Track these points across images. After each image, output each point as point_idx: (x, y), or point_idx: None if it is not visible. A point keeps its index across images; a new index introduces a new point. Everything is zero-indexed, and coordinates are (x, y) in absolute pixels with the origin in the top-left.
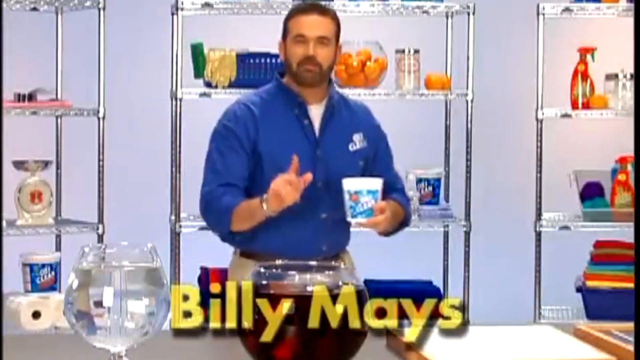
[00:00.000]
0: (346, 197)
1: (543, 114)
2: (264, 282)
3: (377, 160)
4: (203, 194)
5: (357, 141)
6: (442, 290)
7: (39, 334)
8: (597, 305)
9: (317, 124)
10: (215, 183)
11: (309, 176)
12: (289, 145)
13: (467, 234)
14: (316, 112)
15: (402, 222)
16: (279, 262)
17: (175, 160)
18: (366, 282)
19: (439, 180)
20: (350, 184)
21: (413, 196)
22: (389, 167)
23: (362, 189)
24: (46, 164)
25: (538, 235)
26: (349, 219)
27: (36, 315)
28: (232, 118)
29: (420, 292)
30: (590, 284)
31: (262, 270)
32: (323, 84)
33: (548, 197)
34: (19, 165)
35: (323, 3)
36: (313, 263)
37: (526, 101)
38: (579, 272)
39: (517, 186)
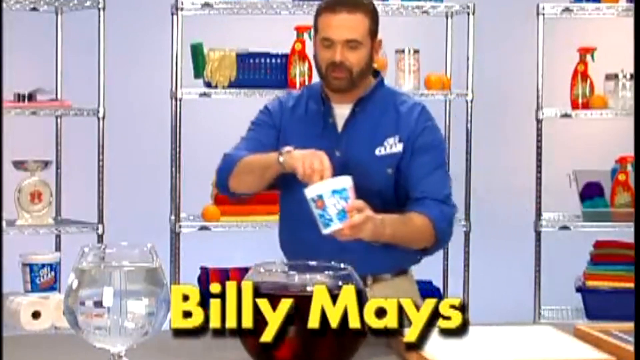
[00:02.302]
0: (312, 208)
1: (543, 114)
2: (264, 282)
3: (413, 166)
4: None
5: (389, 145)
6: (442, 290)
7: (39, 334)
8: (597, 305)
9: (341, 124)
10: (242, 146)
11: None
12: (308, 142)
13: (467, 234)
14: (343, 112)
15: (428, 237)
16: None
17: (175, 160)
18: None
19: None
20: (310, 191)
21: None
22: (426, 174)
23: (323, 192)
24: (46, 164)
25: (538, 235)
26: (323, 231)
27: (36, 315)
28: (276, 103)
29: (420, 292)
30: (590, 284)
31: (262, 270)
32: (356, 88)
33: (548, 197)
34: (19, 165)
35: None
36: (313, 263)
37: (526, 101)
38: (578, 272)
39: (517, 186)
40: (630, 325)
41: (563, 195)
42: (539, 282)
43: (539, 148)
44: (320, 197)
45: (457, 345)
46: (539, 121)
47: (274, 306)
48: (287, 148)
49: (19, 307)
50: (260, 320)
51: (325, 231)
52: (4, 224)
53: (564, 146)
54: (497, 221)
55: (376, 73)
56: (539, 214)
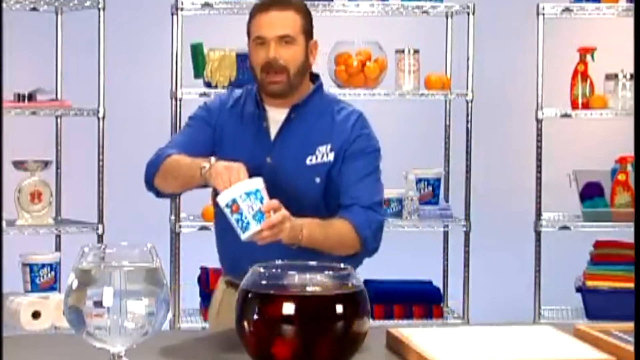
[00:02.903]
0: (228, 214)
1: (543, 114)
2: (264, 282)
3: (343, 172)
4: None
5: (321, 154)
6: (442, 290)
7: (39, 334)
8: (596, 305)
9: (275, 130)
10: (175, 143)
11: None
12: (241, 147)
13: (467, 234)
14: (278, 117)
15: (351, 243)
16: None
17: None
18: (366, 282)
19: (438, 180)
20: (223, 197)
21: (413, 196)
22: (356, 181)
23: (236, 195)
24: (46, 164)
25: (538, 235)
26: (242, 237)
27: (36, 315)
28: (216, 101)
29: (420, 292)
30: (590, 284)
31: (262, 270)
32: (294, 91)
33: (548, 197)
34: (19, 165)
35: (322, 3)
36: (313, 263)
37: (526, 101)
38: (578, 272)
39: (517, 186)
40: (630, 325)
41: (563, 195)
42: (539, 282)
43: (539, 148)
44: (234, 201)
45: (457, 345)
46: (539, 121)
47: (274, 306)
48: (212, 160)
49: (19, 307)
50: (260, 321)
51: (245, 235)
52: (4, 224)
53: (564, 146)
54: (497, 221)
55: (315, 77)
56: (539, 214)
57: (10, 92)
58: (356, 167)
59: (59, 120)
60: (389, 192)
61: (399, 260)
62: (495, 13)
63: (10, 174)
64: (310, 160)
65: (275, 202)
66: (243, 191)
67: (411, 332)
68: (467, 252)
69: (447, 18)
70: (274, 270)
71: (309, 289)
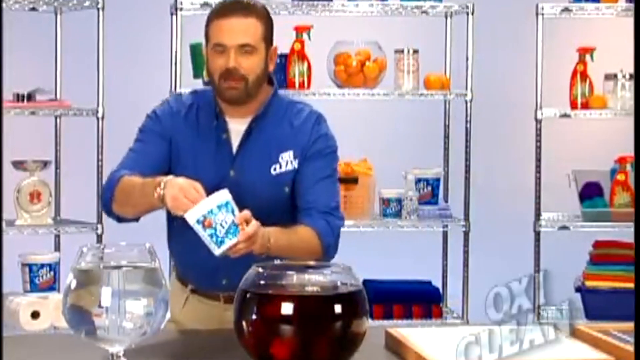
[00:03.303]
0: (200, 231)
1: (542, 114)
2: (263, 282)
3: (302, 175)
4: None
5: (285, 162)
6: (441, 290)
7: (38, 334)
8: (596, 305)
9: (236, 142)
10: (128, 162)
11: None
12: (202, 161)
13: (466, 234)
14: (238, 127)
15: (314, 249)
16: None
17: None
18: (366, 282)
19: (438, 180)
20: (193, 214)
21: (412, 196)
22: (314, 183)
23: (210, 209)
24: (45, 164)
25: (537, 235)
26: (216, 252)
27: (35, 315)
28: (165, 109)
29: (419, 292)
30: (590, 284)
31: (261, 270)
32: (252, 99)
33: (547, 197)
34: (18, 165)
35: (322, 3)
36: (312, 263)
37: (525, 101)
38: (578, 272)
39: (516, 186)
40: (628, 325)
41: (562, 195)
42: (538, 282)
43: (538, 148)
44: (205, 216)
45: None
46: (538, 121)
47: (272, 306)
48: (166, 180)
49: (18, 307)
50: (258, 320)
51: (220, 250)
52: (3, 224)
53: (564, 146)
54: (497, 221)
55: (271, 81)
56: (538, 214)
57: (9, 92)
58: (314, 168)
59: (58, 120)
60: (388, 192)
61: (399, 260)
62: (495, 13)
63: (10, 174)
64: (275, 169)
65: (247, 213)
66: (214, 205)
67: (410, 332)
68: (466, 252)
69: (446, 18)
70: (272, 270)
71: (307, 289)
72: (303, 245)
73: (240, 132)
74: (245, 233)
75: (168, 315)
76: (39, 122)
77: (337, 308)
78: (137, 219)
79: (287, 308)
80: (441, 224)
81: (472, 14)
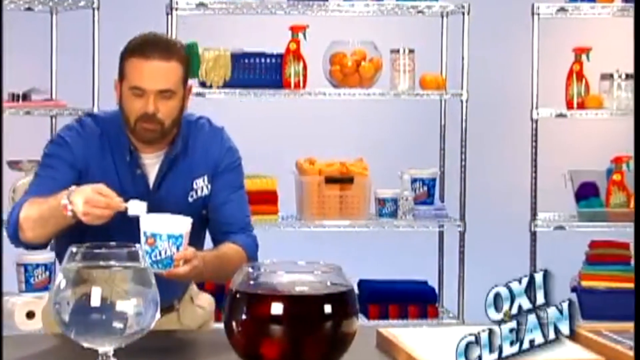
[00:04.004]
0: (142, 238)
1: (538, 113)
2: (252, 282)
3: (214, 192)
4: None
5: (199, 188)
6: (437, 290)
7: (28, 334)
8: (592, 305)
9: (152, 177)
10: (34, 192)
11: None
12: (118, 194)
13: (462, 234)
14: (152, 162)
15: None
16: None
17: None
18: (362, 282)
19: (434, 180)
20: (148, 224)
21: (408, 196)
22: (228, 199)
23: (160, 233)
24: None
25: (533, 235)
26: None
27: (30, 315)
28: (74, 135)
29: (415, 292)
30: (585, 284)
31: (251, 270)
32: (166, 138)
33: (543, 197)
34: (13, 165)
35: (317, 3)
36: (302, 263)
37: (521, 101)
38: (574, 272)
39: (512, 186)
40: (621, 325)
41: (558, 195)
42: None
43: (534, 148)
44: (154, 235)
45: (447, 345)
46: (534, 121)
47: (262, 306)
48: (70, 195)
49: (14, 307)
50: (248, 320)
51: (149, 267)
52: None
53: (559, 146)
54: (493, 221)
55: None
56: (534, 214)
57: (4, 91)
58: (225, 182)
59: (54, 120)
60: (384, 192)
61: (394, 260)
62: (490, 13)
63: (5, 174)
64: (192, 196)
65: (189, 253)
66: (168, 232)
67: (401, 332)
68: (462, 252)
69: (442, 18)
70: (262, 270)
71: (297, 288)
72: (232, 263)
73: (154, 167)
74: (173, 272)
75: (158, 315)
76: (35, 122)
77: (327, 308)
78: (46, 244)
79: (276, 308)
80: (437, 224)
81: (468, 13)
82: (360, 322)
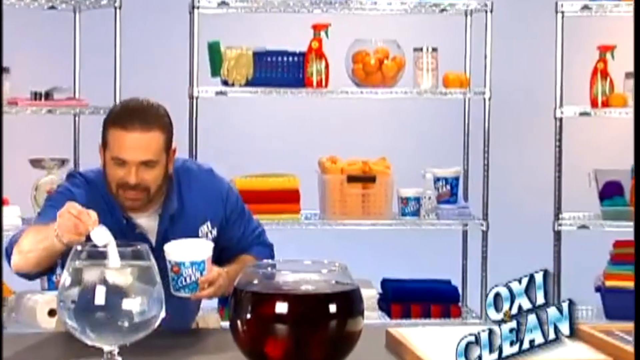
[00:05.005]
0: (168, 266)
1: (562, 112)
2: (257, 280)
3: (228, 228)
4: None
5: (204, 235)
6: (460, 289)
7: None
8: (616, 305)
9: (152, 236)
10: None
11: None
12: None
13: (485, 234)
14: (149, 221)
15: None
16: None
17: (192, 159)
18: (385, 281)
19: (457, 178)
20: (172, 253)
21: (431, 195)
22: (242, 229)
23: (184, 261)
24: (63, 162)
25: (557, 234)
26: (172, 291)
27: (52, 313)
28: (80, 190)
29: (438, 291)
30: (609, 283)
31: (256, 269)
32: (152, 202)
33: (567, 196)
34: (36, 163)
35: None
36: (307, 262)
37: (545, 99)
38: (598, 271)
39: (536, 185)
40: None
41: (582, 194)
42: (559, 281)
43: (557, 147)
44: (179, 264)
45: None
46: (558, 120)
47: (267, 305)
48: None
49: (36, 305)
50: (252, 319)
51: (174, 293)
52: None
53: (584, 145)
54: (516, 220)
55: None
56: (557, 213)
57: (27, 90)
58: (235, 224)
59: (77, 118)
60: (407, 191)
61: (417, 260)
62: (514, 11)
63: (28, 172)
64: None
65: (213, 276)
66: (190, 260)
67: (409, 332)
68: (484, 252)
69: (465, 16)
70: (267, 269)
71: (302, 287)
72: None
73: (152, 225)
74: (199, 294)
75: (163, 313)
76: (58, 120)
77: (332, 307)
78: (42, 274)
79: (280, 307)
80: (460, 223)
81: (491, 11)
82: (382, 321)
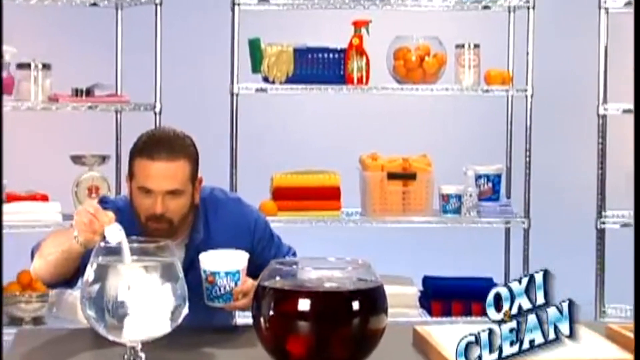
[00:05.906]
0: (202, 275)
1: (605, 109)
2: (279, 277)
3: (258, 255)
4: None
5: None
6: None
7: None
8: None
9: (178, 265)
10: None
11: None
12: None
13: (526, 231)
14: (177, 254)
15: None
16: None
17: (233, 155)
18: (427, 278)
19: (499, 176)
20: (207, 262)
21: (472, 193)
22: (274, 252)
23: (219, 271)
24: (103, 158)
25: (599, 232)
26: (206, 301)
27: None
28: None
29: (479, 289)
30: None
31: (279, 266)
32: (175, 234)
33: (610, 194)
34: (77, 159)
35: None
36: (331, 259)
37: (588, 97)
38: None
39: (579, 183)
40: None
41: (626, 192)
42: (602, 280)
43: (601, 144)
44: (214, 274)
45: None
46: (601, 117)
47: (290, 302)
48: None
49: (76, 301)
50: (275, 316)
51: (208, 303)
52: (2, 221)
53: (627, 142)
54: (559, 218)
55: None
56: (600, 212)
57: (68, 87)
58: (265, 250)
59: (118, 115)
60: (448, 188)
61: (460, 257)
62: (557, 7)
63: (69, 168)
64: None
65: (247, 287)
66: (225, 270)
67: (435, 329)
68: (526, 250)
69: (508, 13)
70: (290, 266)
71: (325, 284)
72: None
73: (179, 258)
74: (232, 305)
75: (186, 310)
76: (99, 117)
77: (355, 305)
78: (60, 283)
79: (303, 304)
80: (502, 220)
81: (534, 8)
82: (423, 318)
